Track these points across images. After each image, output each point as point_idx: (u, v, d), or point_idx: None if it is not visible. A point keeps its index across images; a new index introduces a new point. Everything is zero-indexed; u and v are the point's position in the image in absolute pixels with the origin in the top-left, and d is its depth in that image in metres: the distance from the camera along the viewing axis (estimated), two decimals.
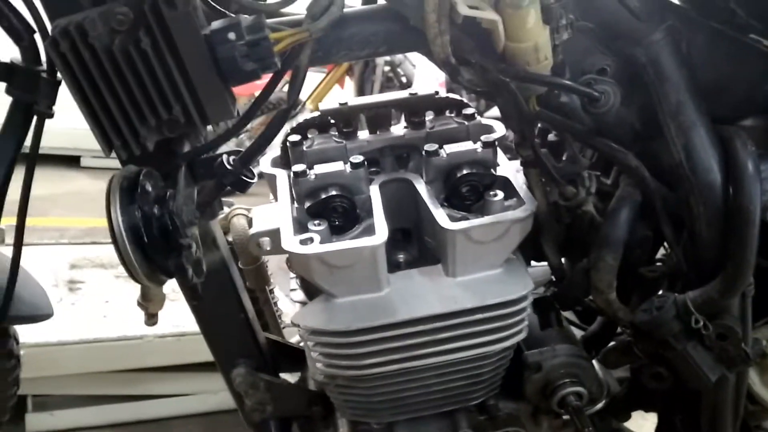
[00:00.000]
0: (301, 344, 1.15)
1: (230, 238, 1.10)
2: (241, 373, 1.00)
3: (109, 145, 0.70)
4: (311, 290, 0.92)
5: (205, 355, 2.48)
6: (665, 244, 0.96)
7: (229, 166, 0.71)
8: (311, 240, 0.82)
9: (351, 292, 0.85)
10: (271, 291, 1.25)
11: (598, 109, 0.77)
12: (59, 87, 0.74)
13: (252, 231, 0.87)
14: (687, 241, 0.84)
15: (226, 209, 1.12)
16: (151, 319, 0.93)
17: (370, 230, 0.86)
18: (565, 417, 1.03)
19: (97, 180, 4.91)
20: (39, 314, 1.19)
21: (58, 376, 2.26)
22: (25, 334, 2.21)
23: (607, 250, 0.82)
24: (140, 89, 0.66)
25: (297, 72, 0.72)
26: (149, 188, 0.68)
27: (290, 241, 0.83)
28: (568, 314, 1.20)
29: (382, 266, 0.85)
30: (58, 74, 0.71)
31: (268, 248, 0.89)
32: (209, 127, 0.74)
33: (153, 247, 0.67)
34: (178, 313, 2.56)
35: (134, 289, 2.73)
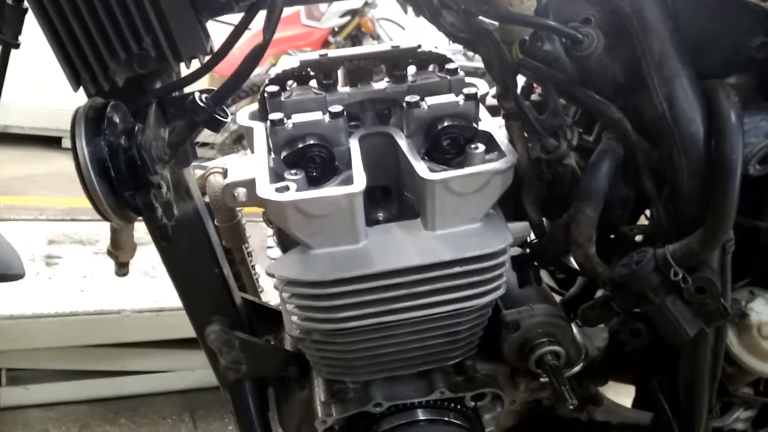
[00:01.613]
0: (279, 306, 1.13)
1: (207, 199, 1.08)
2: (216, 330, 0.98)
3: (77, 80, 0.68)
4: (287, 245, 0.91)
5: (184, 331, 2.47)
6: (646, 213, 0.96)
7: (201, 104, 0.69)
8: (287, 188, 0.80)
9: (327, 243, 0.84)
10: (250, 255, 1.23)
11: (581, 52, 0.76)
12: (25, 16, 0.71)
13: (226, 181, 0.85)
14: (668, 196, 0.83)
15: (201, 171, 1.10)
16: (122, 269, 0.90)
17: (348, 182, 0.84)
18: (543, 379, 1.02)
19: None
20: (9, 273, 1.16)
21: (33, 350, 2.22)
22: (0, 305, 2.18)
23: (587, 202, 0.81)
24: (109, 18, 0.64)
25: (273, 8, 0.70)
26: (116, 120, 0.65)
27: (266, 189, 0.81)
28: (548, 281, 1.20)
29: (360, 217, 0.83)
30: (25, 2, 0.68)
31: (244, 199, 0.86)
32: (182, 66, 0.71)
33: (120, 181, 0.64)
34: (156, 289, 2.55)
35: (112, 265, 2.70)
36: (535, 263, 0.95)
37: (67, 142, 5.03)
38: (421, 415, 0.98)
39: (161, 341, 2.39)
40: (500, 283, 0.89)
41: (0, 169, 4.58)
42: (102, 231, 2.95)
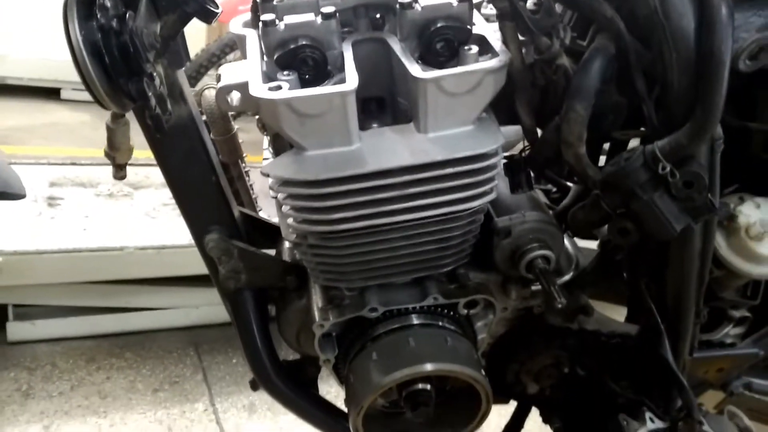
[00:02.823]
0: (276, 221, 1.15)
1: (204, 117, 1.08)
2: (214, 238, 1.00)
3: None
4: (281, 150, 0.92)
5: (186, 269, 2.51)
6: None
7: None
8: (280, 87, 0.81)
9: (321, 144, 0.85)
10: (247, 174, 1.24)
11: None
12: None
13: (219, 85, 0.85)
14: (659, 96, 0.83)
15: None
16: (119, 172, 0.92)
17: (341, 84, 0.84)
18: (534, 287, 1.04)
19: (77, 112, 4.85)
20: (11, 192, 1.17)
21: (38, 286, 2.27)
22: (4, 242, 2.21)
23: (578, 98, 0.82)
24: None
25: None
26: (108, 5, 0.66)
27: (259, 89, 0.81)
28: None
29: (353, 117, 0.84)
30: None
31: (237, 103, 0.87)
32: None
33: (114, 66, 0.65)
34: (158, 228, 2.57)
35: (114, 206, 2.71)
36: (527, 168, 0.96)
37: (66, 93, 5.02)
38: (415, 320, 1.01)
39: (164, 279, 2.43)
40: (492, 187, 0.90)
41: (0, 120, 4.57)
42: (103, 174, 2.97)
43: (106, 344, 2.35)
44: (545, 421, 1.21)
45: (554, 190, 1.24)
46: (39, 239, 2.25)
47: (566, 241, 1.09)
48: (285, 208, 0.89)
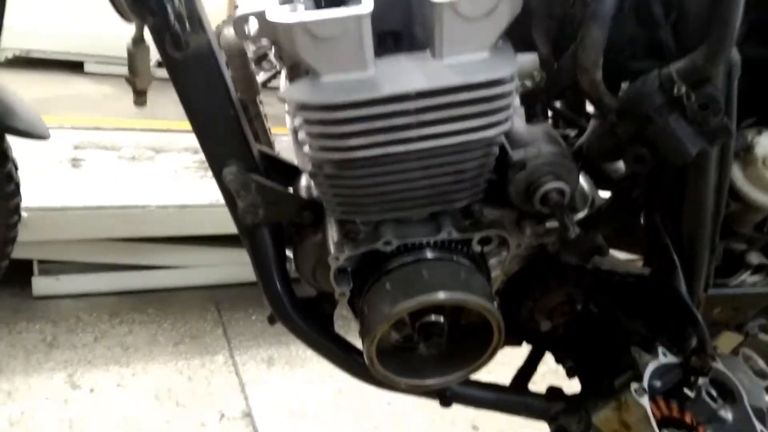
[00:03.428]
0: (293, 158, 1.17)
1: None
2: (233, 171, 1.02)
3: None
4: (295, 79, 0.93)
5: (208, 228, 2.55)
6: None
7: None
8: (296, 9, 0.82)
9: (336, 69, 0.86)
10: (265, 116, 1.26)
11: None
12: None
13: (236, 16, 0.87)
14: (675, 21, 0.83)
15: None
16: (140, 97, 0.93)
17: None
18: (549, 224, 1.05)
19: (101, 85, 4.91)
20: (35, 132, 1.20)
21: (62, 242, 2.32)
22: (29, 198, 2.26)
23: (594, 23, 0.82)
24: None
25: None
26: None
27: (275, 12, 0.82)
28: None
29: (368, 42, 0.84)
30: None
31: (254, 31, 0.88)
32: None
33: None
34: (180, 189, 2.61)
35: (136, 169, 2.76)
36: (543, 97, 0.96)
37: (89, 67, 5.08)
38: (429, 254, 1.02)
39: (186, 238, 2.47)
40: (507, 116, 0.90)
41: (24, 91, 4.64)
42: (126, 138, 3.02)
43: (129, 300, 2.41)
44: (558, 361, 1.22)
45: (573, 134, 1.24)
46: (63, 196, 2.29)
47: (582, 180, 1.09)
48: (301, 135, 0.90)
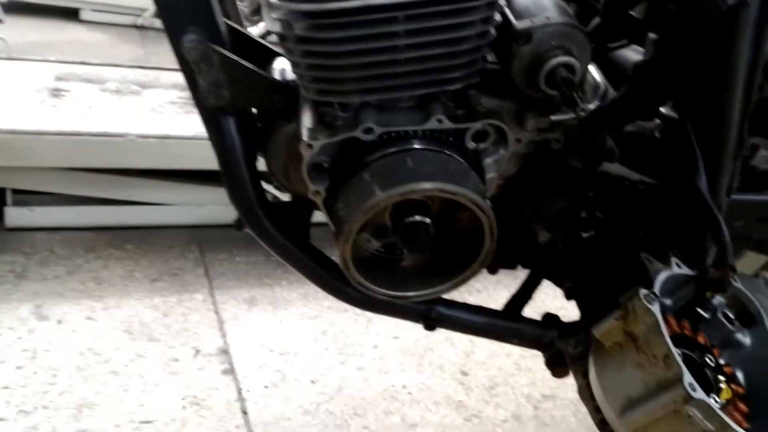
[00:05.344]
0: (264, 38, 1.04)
1: None
2: (192, 39, 0.88)
3: None
4: None
5: (189, 161, 2.42)
6: None
7: None
8: None
9: None
10: None
11: None
12: None
13: None
14: None
15: None
16: None
17: None
18: (553, 117, 0.92)
19: (96, 33, 4.74)
20: None
21: (37, 170, 2.20)
22: (2, 121, 2.14)
23: None
24: None
25: None
26: None
27: None
28: None
29: None
30: None
31: None
32: None
33: None
34: (163, 120, 2.47)
35: (120, 101, 2.62)
36: None
37: (85, 14, 4.92)
38: (416, 144, 0.89)
39: (168, 173, 2.35)
40: None
41: (19, 35, 4.49)
42: (112, 73, 2.88)
43: (107, 236, 2.29)
44: (556, 283, 1.10)
45: None
46: (38, 122, 2.17)
47: (593, 69, 0.96)
48: None
